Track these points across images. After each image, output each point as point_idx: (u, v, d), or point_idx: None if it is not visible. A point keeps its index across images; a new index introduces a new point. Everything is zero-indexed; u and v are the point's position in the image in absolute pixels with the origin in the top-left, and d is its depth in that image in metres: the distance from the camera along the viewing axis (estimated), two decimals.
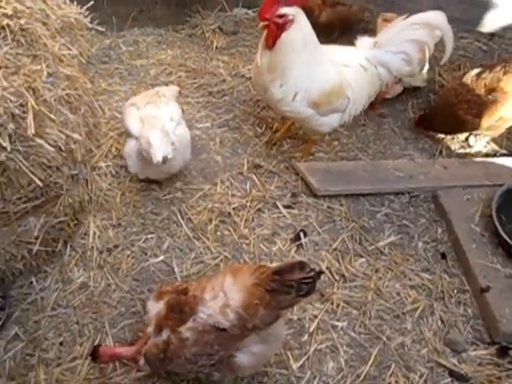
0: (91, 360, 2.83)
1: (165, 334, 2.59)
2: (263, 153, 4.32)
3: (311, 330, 3.28)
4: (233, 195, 3.98)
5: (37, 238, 3.30)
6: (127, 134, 3.85)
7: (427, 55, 3.96)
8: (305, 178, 4.04)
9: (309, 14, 3.85)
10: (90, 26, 3.87)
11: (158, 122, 3.62)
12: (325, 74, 3.68)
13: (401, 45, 3.80)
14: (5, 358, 3.17)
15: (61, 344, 3.23)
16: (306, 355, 3.18)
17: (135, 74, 5.08)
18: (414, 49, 3.80)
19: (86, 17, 3.81)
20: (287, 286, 2.38)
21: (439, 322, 3.38)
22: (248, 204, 3.90)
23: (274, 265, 2.71)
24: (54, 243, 3.49)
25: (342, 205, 3.95)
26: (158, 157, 3.40)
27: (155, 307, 2.70)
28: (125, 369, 3.08)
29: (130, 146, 3.74)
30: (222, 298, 2.51)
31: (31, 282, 3.49)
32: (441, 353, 3.24)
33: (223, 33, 5.49)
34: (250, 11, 5.69)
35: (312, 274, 2.38)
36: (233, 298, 2.48)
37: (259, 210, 3.90)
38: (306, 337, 3.27)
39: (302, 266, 2.40)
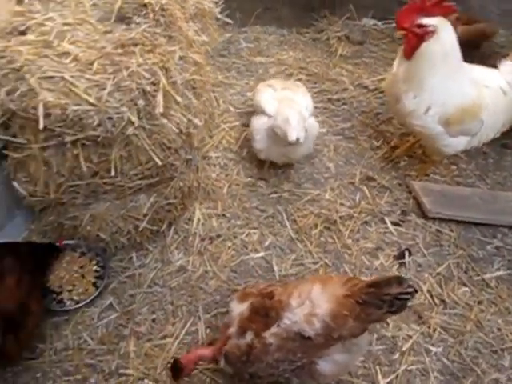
0: (174, 378, 2.78)
1: (248, 337, 2.56)
2: (377, 166, 4.23)
3: (404, 349, 3.18)
4: (341, 204, 3.92)
5: (145, 216, 3.36)
6: (257, 111, 3.91)
7: None
8: (417, 198, 3.93)
9: None
10: (218, 16, 3.92)
11: (296, 105, 3.69)
12: (463, 91, 3.54)
13: None
14: (98, 324, 3.25)
15: (153, 321, 3.28)
16: (395, 373, 3.09)
17: (253, 71, 5.10)
18: None
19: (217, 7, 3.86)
20: (381, 300, 2.32)
21: None
22: (355, 215, 3.84)
23: (368, 278, 2.66)
24: (159, 223, 3.53)
25: (451, 230, 3.81)
26: (293, 136, 3.44)
27: (238, 308, 2.68)
28: None
29: (260, 122, 3.81)
30: (308, 305, 2.46)
31: (131, 258, 3.56)
32: None
33: (349, 41, 5.42)
34: (379, 23, 5.59)
35: (410, 290, 2.31)
36: (320, 306, 2.43)
37: (366, 222, 3.82)
38: (397, 355, 3.17)
39: (399, 280, 2.32)
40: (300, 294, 2.52)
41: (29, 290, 2.88)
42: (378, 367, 3.11)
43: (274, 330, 2.50)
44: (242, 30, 5.55)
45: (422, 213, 3.88)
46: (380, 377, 3.06)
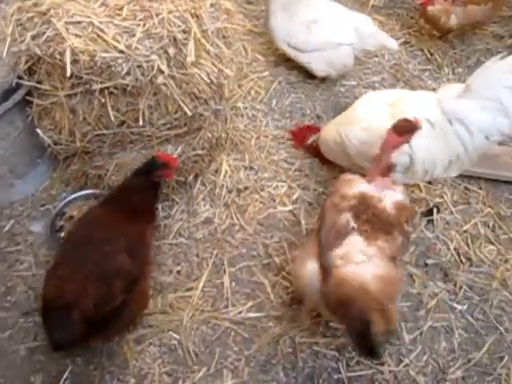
0: None
1: None
2: None
3: (429, 306, 3.18)
4: None
5: None
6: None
7: None
8: None
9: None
10: None
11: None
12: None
13: (495, 92, 2.92)
14: None
15: (178, 272, 3.28)
16: (420, 330, 3.10)
17: None
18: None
19: None
20: None
21: None
22: None
23: None
24: (186, 174, 3.50)
25: (480, 188, 3.74)
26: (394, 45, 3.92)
27: None
28: (236, 306, 3.14)
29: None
30: None
31: (157, 209, 3.53)
32: None
33: None
34: None
35: None
36: None
37: None
38: (422, 312, 3.17)
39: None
40: None
41: None
42: (403, 324, 3.11)
43: None
44: None
45: None
46: (405, 333, 3.07)
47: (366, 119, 3.16)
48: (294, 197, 3.63)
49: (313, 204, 3.60)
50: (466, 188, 3.74)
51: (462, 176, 3.71)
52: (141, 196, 2.87)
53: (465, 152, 3.06)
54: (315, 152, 3.72)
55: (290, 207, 3.57)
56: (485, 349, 3.04)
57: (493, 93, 2.89)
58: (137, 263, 2.66)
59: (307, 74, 4.33)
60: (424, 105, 3.10)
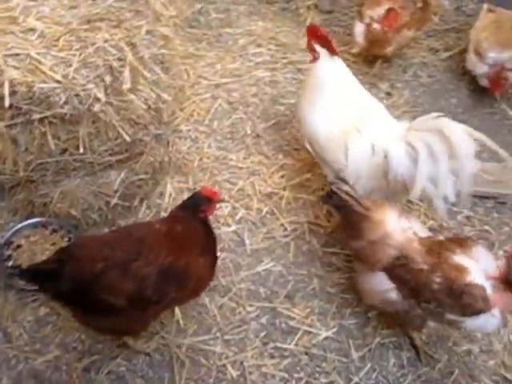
0: None
1: None
2: None
3: (376, 322, 3.19)
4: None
5: (116, 192, 3.36)
6: None
7: None
8: None
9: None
10: None
11: None
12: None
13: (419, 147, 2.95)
14: None
15: None
16: (368, 347, 3.09)
17: (223, 42, 5.06)
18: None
19: None
20: None
21: (511, 336, 3.21)
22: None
23: None
24: (131, 199, 3.53)
25: (421, 200, 3.73)
26: None
27: None
28: (183, 330, 3.11)
29: None
30: None
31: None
32: (509, 367, 3.08)
33: (318, 10, 5.38)
34: None
35: None
36: None
37: None
38: (369, 329, 3.18)
39: None
40: None
41: None
42: (351, 341, 3.12)
43: None
44: (212, 1, 5.47)
45: None
46: (353, 350, 3.08)
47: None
48: (237, 217, 3.66)
49: (256, 223, 3.64)
50: (408, 201, 3.78)
51: None
52: (186, 229, 2.71)
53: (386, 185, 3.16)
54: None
55: (233, 227, 3.60)
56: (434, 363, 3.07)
57: (418, 146, 2.93)
58: (158, 289, 2.58)
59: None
60: (381, 130, 3.20)
